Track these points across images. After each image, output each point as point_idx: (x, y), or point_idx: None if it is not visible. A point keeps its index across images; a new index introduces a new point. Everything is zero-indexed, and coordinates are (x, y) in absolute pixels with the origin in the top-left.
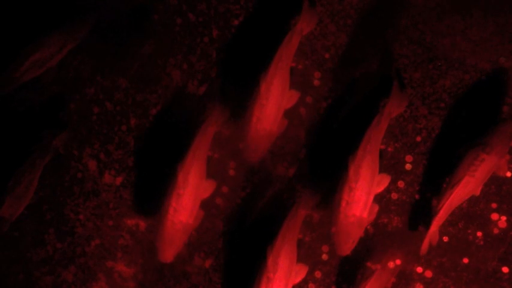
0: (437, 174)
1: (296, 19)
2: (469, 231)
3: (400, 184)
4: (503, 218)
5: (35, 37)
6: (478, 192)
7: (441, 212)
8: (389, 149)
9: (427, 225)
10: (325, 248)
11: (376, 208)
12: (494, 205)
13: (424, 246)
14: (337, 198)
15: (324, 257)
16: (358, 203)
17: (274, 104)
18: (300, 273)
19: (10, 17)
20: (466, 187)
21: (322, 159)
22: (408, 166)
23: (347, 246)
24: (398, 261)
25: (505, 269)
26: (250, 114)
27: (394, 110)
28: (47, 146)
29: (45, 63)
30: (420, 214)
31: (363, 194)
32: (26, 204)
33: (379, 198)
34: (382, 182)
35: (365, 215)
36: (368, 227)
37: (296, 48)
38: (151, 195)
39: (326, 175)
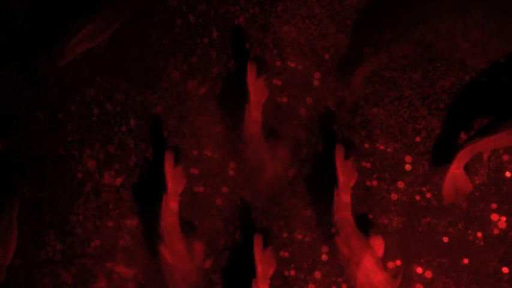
0: (438, 174)
1: None
2: (469, 231)
3: (400, 185)
4: (503, 218)
5: (85, 11)
6: None
7: (461, 152)
8: (388, 150)
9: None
10: (324, 249)
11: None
12: (494, 205)
13: (446, 187)
14: (354, 283)
15: (324, 257)
16: (374, 268)
17: None
18: (379, 244)
19: None
20: (497, 141)
21: (322, 160)
22: (408, 167)
23: None
24: (398, 262)
25: (505, 270)
26: None
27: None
28: (11, 186)
29: (96, 36)
30: (421, 214)
31: (370, 258)
32: (14, 248)
33: (379, 198)
34: (378, 244)
35: (388, 274)
36: (368, 228)
37: None
38: (152, 195)
39: (326, 175)
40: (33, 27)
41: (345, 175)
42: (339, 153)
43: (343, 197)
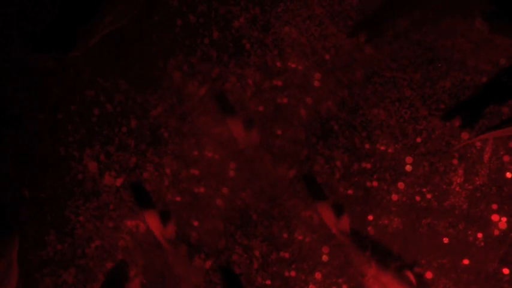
0: (438, 175)
1: None
2: (470, 232)
3: (400, 185)
4: (504, 219)
5: None
6: None
7: (473, 139)
8: (389, 150)
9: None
10: (325, 249)
11: None
12: (494, 206)
13: (457, 147)
14: None
15: (324, 258)
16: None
17: None
18: (411, 276)
19: None
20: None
21: (322, 160)
22: (408, 167)
23: None
24: (397, 263)
25: (506, 270)
26: None
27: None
28: (10, 225)
29: (121, 19)
30: (421, 215)
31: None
32: (15, 284)
33: (379, 199)
34: (411, 277)
35: None
36: (369, 228)
37: None
38: (151, 196)
39: (325, 176)
40: (62, 14)
41: (337, 227)
42: (325, 213)
43: (343, 240)
